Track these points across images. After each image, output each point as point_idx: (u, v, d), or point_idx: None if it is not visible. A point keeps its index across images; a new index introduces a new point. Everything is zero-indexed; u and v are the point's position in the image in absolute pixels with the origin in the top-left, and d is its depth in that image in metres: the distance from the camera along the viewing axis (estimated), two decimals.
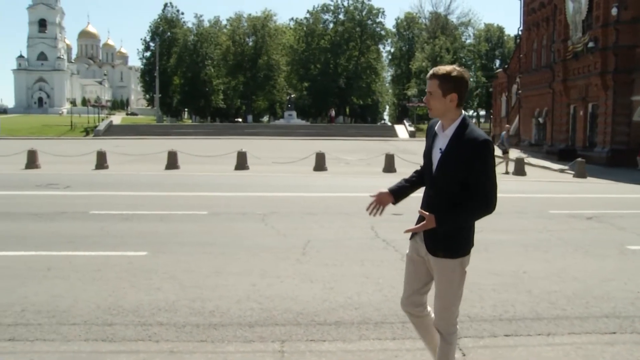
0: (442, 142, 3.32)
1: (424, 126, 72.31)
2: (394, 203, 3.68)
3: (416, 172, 3.75)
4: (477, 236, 8.63)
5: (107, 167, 22.88)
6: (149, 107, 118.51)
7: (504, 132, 25.53)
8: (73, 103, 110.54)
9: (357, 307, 5.60)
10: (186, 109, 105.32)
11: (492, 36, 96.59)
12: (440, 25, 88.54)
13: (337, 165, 24.54)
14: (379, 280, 6.56)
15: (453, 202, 3.28)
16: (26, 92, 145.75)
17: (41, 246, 8.29)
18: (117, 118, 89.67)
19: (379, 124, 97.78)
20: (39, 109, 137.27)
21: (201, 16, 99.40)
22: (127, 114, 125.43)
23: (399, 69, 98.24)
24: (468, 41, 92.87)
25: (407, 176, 3.79)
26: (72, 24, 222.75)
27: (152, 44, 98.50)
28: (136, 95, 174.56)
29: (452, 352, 3.56)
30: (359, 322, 5.19)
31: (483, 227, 9.75)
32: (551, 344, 4.79)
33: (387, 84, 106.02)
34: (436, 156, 3.34)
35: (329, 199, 13.74)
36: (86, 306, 5.60)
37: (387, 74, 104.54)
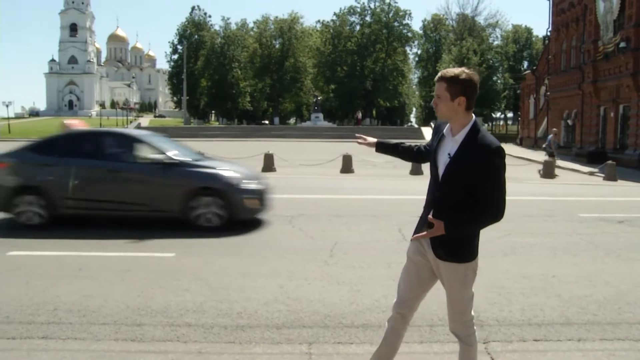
0: (451, 147, 3.28)
1: None
2: (375, 150, 3.88)
3: (417, 148, 3.79)
4: (505, 239, 8.58)
5: None
6: (177, 110, 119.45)
7: (550, 136, 25.06)
8: (102, 105, 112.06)
9: (384, 309, 5.57)
10: (213, 111, 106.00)
11: (520, 37, 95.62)
12: (468, 26, 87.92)
13: (364, 168, 24.47)
14: None
15: (460, 206, 3.26)
16: (57, 95, 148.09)
17: (72, 247, 8.43)
18: (145, 120, 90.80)
19: (405, 126, 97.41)
20: (69, 112, 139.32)
21: (228, 19, 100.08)
22: (155, 116, 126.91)
23: (426, 70, 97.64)
24: (495, 43, 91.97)
25: (406, 144, 3.85)
26: (102, 27, 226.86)
27: (179, 47, 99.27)
28: (164, 98, 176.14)
29: (475, 353, 3.57)
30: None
31: (511, 230, 9.69)
32: (582, 350, 4.72)
33: (413, 86, 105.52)
34: (444, 160, 3.29)
35: (356, 201, 13.73)
36: (116, 306, 5.67)
37: (414, 76, 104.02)
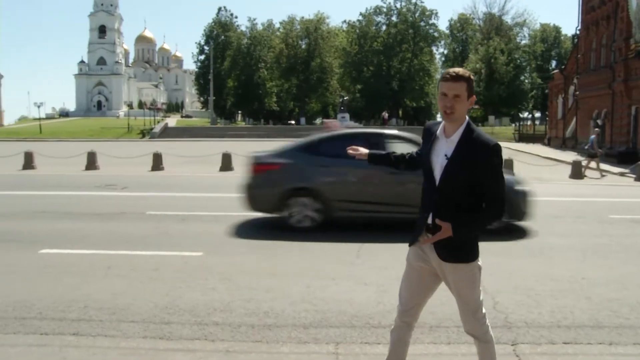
0: (447, 148, 3.23)
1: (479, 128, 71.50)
2: (368, 162, 3.85)
3: (410, 155, 3.75)
4: (534, 240, 8.49)
5: (162, 169, 23.32)
6: (203, 110, 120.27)
7: (593, 136, 24.70)
8: (130, 106, 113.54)
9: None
10: (240, 111, 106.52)
11: (548, 36, 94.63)
12: (495, 26, 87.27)
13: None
14: None
15: (459, 207, 3.23)
16: (86, 96, 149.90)
17: (101, 245, 8.54)
18: (172, 120, 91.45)
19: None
20: (97, 112, 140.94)
21: (254, 20, 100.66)
22: (182, 117, 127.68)
23: None
24: (523, 42, 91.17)
25: (398, 153, 3.81)
26: (130, 29, 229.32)
27: (206, 48, 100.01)
28: (190, 98, 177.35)
29: (494, 348, 3.54)
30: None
31: (539, 231, 9.60)
32: (614, 354, 4.65)
33: None
34: (440, 162, 3.24)
35: None
36: (144, 304, 5.73)
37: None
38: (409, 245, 3.50)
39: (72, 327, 5.12)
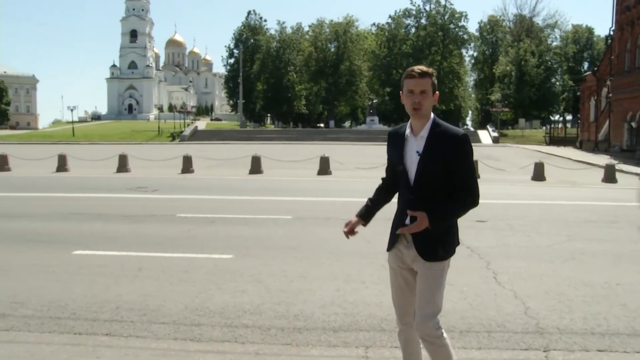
0: (417, 145, 3.26)
1: (509, 132, 70.69)
2: (364, 225, 3.65)
3: (378, 189, 3.68)
4: (565, 244, 8.36)
5: (192, 172, 23.51)
6: (233, 113, 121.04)
7: None
8: (160, 109, 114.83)
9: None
10: (269, 115, 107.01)
11: (581, 38, 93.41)
12: (525, 27, 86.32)
13: None
14: (464, 288, 6.44)
15: (438, 202, 3.24)
16: (117, 99, 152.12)
17: (132, 247, 8.63)
18: (202, 123, 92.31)
19: (461, 129, 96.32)
20: (128, 115, 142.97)
21: (284, 23, 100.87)
22: (212, 120, 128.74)
23: (482, 73, 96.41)
24: (554, 44, 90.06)
25: (371, 195, 3.68)
26: (161, 33, 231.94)
27: (235, 51, 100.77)
28: (220, 101, 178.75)
29: (450, 347, 3.46)
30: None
31: (571, 235, 9.48)
32: None
33: (469, 89, 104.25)
34: (413, 160, 3.26)
35: None
36: (174, 306, 5.77)
37: (470, 78, 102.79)
38: (388, 251, 3.49)
39: (105, 327, 5.18)
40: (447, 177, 3.23)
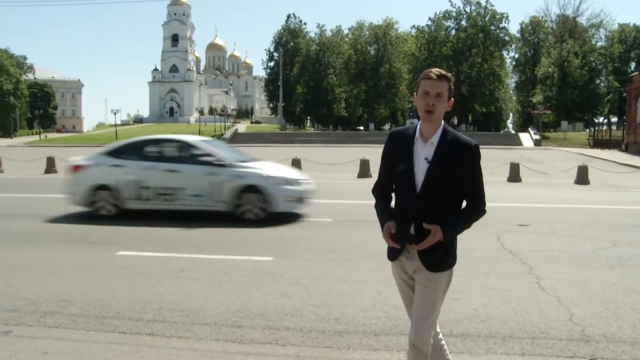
0: (426, 152, 3.17)
1: (551, 134, 69.51)
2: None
3: (379, 193, 3.49)
4: (611, 250, 8.18)
5: None
6: (273, 116, 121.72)
7: None
8: (201, 112, 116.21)
9: (483, 319, 5.47)
10: (308, 117, 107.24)
11: (627, 37, 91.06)
12: (568, 28, 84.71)
13: None
14: (506, 293, 6.37)
15: (447, 209, 3.19)
16: (159, 103, 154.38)
17: (174, 248, 8.76)
18: (242, 126, 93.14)
19: (502, 132, 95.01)
20: (170, 118, 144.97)
21: (323, 26, 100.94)
22: (252, 122, 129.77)
23: (524, 75, 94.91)
24: (599, 44, 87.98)
25: (380, 200, 3.48)
26: (201, 37, 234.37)
27: (275, 54, 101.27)
28: (260, 104, 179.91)
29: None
30: (486, 336, 5.06)
31: (617, 240, 9.29)
32: None
33: (510, 91, 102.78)
34: (421, 166, 3.17)
35: None
36: (216, 307, 5.84)
37: (511, 80, 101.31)
38: (391, 260, 3.42)
39: (148, 327, 5.28)
40: (455, 186, 3.17)
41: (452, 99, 3.23)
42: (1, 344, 4.87)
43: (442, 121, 3.22)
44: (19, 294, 6.29)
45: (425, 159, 3.16)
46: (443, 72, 3.17)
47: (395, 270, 3.44)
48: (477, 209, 3.25)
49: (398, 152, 3.28)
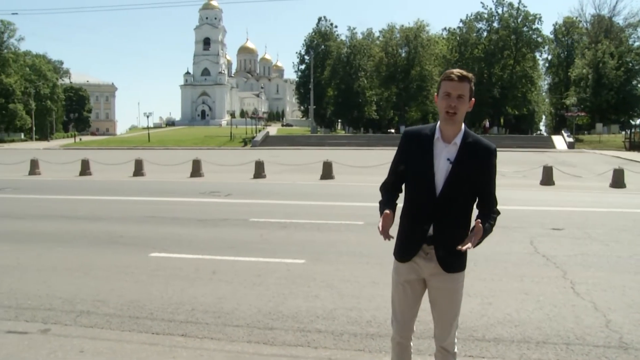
0: (448, 152, 3.16)
1: (585, 137, 68.45)
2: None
3: (387, 190, 3.46)
4: None
5: (264, 177, 23.79)
6: (304, 118, 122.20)
7: None
8: (232, 115, 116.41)
9: (516, 324, 5.41)
10: (339, 120, 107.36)
11: None
12: (604, 28, 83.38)
13: None
14: (540, 297, 6.29)
15: (461, 210, 3.19)
16: (191, 106, 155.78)
17: (206, 250, 8.82)
18: (273, 129, 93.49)
19: (535, 134, 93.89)
20: (201, 121, 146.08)
21: (354, 29, 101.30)
22: (283, 125, 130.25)
23: (557, 77, 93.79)
24: (636, 44, 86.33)
25: (385, 196, 3.45)
26: (233, 40, 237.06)
27: (306, 57, 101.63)
28: (291, 107, 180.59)
29: None
30: (519, 341, 5.00)
31: None
32: None
33: (543, 93, 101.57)
34: (443, 167, 3.15)
35: None
36: (248, 309, 5.87)
37: (544, 82, 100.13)
38: (401, 262, 3.40)
39: (181, 328, 5.33)
40: (471, 188, 3.18)
41: (473, 99, 3.22)
42: (40, 342, 4.97)
43: (463, 123, 3.21)
44: (56, 294, 6.41)
45: (448, 159, 3.16)
46: (464, 72, 3.16)
47: (403, 271, 3.41)
48: (495, 212, 3.28)
49: (416, 151, 3.25)
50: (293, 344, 4.97)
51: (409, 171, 3.29)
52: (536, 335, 5.12)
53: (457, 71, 3.16)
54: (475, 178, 3.16)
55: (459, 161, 3.14)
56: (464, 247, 3.10)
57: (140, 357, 4.66)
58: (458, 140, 3.17)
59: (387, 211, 3.27)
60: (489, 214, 3.25)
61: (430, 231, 3.22)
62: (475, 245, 3.11)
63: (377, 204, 3.45)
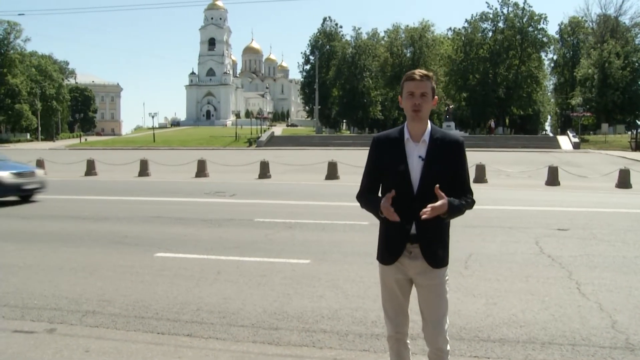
0: (419, 150, 3.25)
1: (590, 137, 68.30)
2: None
3: (366, 197, 3.45)
4: None
5: (269, 177, 23.83)
6: (309, 119, 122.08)
7: None
8: (237, 115, 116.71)
9: (522, 325, 5.39)
10: (344, 120, 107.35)
11: None
12: (610, 28, 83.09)
13: (498, 178, 23.81)
14: (545, 298, 6.27)
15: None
16: (196, 106, 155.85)
17: (211, 250, 8.83)
18: (278, 129, 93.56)
19: (540, 134, 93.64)
20: (206, 121, 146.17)
21: (359, 29, 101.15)
22: (288, 125, 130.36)
23: (562, 77, 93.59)
24: None
25: (365, 199, 3.46)
26: (238, 40, 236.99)
27: (311, 58, 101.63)
28: (296, 107, 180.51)
29: None
30: (525, 341, 4.98)
31: None
32: None
33: (548, 93, 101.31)
34: (417, 165, 3.22)
35: (489, 211, 13.32)
36: (253, 309, 5.87)
37: (549, 82, 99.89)
38: (386, 264, 3.40)
39: (186, 328, 5.33)
40: (446, 181, 3.22)
41: (436, 97, 3.33)
42: (46, 342, 4.99)
43: (429, 120, 3.31)
44: (62, 293, 6.44)
45: (419, 157, 3.24)
46: (425, 72, 3.28)
47: (390, 273, 3.42)
48: (469, 200, 3.35)
49: (389, 155, 3.33)
50: (298, 344, 4.97)
51: (384, 174, 3.35)
52: (542, 336, 5.10)
53: (418, 71, 3.28)
54: (448, 170, 3.25)
55: (429, 157, 3.23)
56: (424, 216, 3.11)
57: (146, 357, 4.67)
58: (426, 137, 3.26)
59: (382, 201, 3.22)
60: (464, 199, 3.31)
61: (413, 230, 3.27)
62: (444, 216, 3.17)
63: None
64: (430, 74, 3.30)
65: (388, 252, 3.38)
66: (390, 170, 3.30)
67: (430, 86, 3.24)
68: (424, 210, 3.11)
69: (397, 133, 3.35)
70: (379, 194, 3.40)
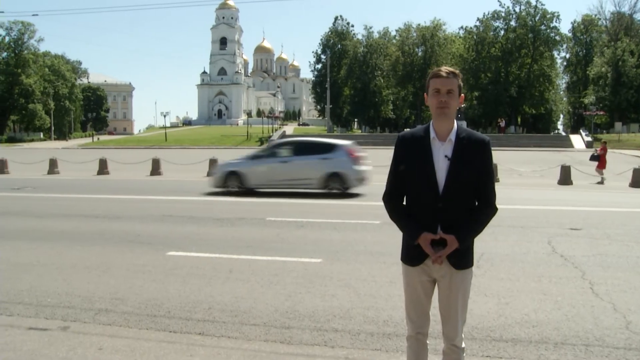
0: (444, 149, 3.17)
1: (603, 136, 67.75)
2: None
3: (395, 203, 3.40)
4: None
5: None
6: (320, 118, 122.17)
7: None
8: (249, 114, 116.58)
9: (534, 324, 5.37)
10: (356, 119, 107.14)
11: None
12: (624, 25, 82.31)
13: (510, 177, 23.70)
14: (558, 298, 6.24)
15: (465, 206, 3.20)
16: (207, 105, 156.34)
17: (223, 249, 8.86)
18: (290, 128, 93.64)
19: (552, 133, 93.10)
20: (218, 120, 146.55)
21: (370, 28, 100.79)
22: (299, 125, 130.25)
23: (575, 75, 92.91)
24: None
25: (397, 209, 3.41)
26: (249, 40, 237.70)
27: (323, 57, 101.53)
28: (307, 106, 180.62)
29: None
30: (537, 341, 4.96)
31: None
32: None
33: (561, 92, 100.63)
34: (442, 165, 3.15)
35: (502, 211, 13.15)
36: (265, 308, 5.88)
37: (562, 81, 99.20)
38: (414, 265, 3.36)
39: (198, 327, 5.35)
40: (472, 182, 3.17)
41: (463, 95, 3.28)
42: (60, 339, 5.03)
43: (455, 119, 3.25)
44: (75, 292, 6.48)
45: (446, 156, 3.17)
46: (451, 69, 3.22)
47: (415, 274, 3.39)
48: (490, 211, 3.26)
49: (414, 154, 3.25)
50: (310, 343, 4.97)
51: (410, 174, 3.26)
52: (554, 336, 5.07)
53: (444, 68, 3.24)
54: (473, 171, 3.17)
55: (456, 156, 3.16)
56: (434, 260, 3.19)
57: (158, 355, 4.69)
58: (452, 136, 3.19)
59: (426, 234, 3.19)
60: (483, 209, 3.25)
61: (439, 230, 3.22)
62: (444, 255, 3.17)
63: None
64: (457, 71, 3.24)
65: (415, 254, 3.33)
66: (416, 170, 3.22)
67: (456, 83, 3.18)
68: (434, 259, 3.18)
69: (422, 132, 3.28)
70: (405, 199, 3.36)
